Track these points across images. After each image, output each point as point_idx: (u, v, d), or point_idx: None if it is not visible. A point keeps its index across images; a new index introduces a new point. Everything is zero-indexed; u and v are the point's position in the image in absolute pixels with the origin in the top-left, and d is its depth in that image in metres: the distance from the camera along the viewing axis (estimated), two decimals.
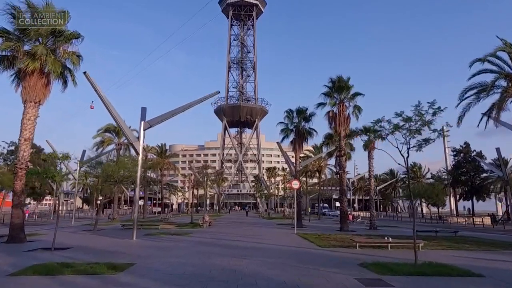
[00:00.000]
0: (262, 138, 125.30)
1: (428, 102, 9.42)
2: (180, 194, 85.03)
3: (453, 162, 55.49)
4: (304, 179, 58.52)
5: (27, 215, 41.43)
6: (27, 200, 70.65)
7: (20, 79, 16.58)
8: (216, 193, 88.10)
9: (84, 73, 15.97)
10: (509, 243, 17.42)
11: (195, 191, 78.03)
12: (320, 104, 26.45)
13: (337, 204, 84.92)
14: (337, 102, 25.74)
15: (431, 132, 9.45)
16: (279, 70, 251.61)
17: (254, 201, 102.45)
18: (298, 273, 8.52)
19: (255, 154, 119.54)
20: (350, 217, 35.21)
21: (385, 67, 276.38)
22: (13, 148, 47.90)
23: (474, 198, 51.09)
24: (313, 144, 54.05)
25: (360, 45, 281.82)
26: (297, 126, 28.67)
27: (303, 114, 28.40)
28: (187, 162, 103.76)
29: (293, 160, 36.37)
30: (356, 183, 75.67)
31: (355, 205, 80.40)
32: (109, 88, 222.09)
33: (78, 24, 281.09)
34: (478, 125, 18.53)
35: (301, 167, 30.08)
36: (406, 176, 70.54)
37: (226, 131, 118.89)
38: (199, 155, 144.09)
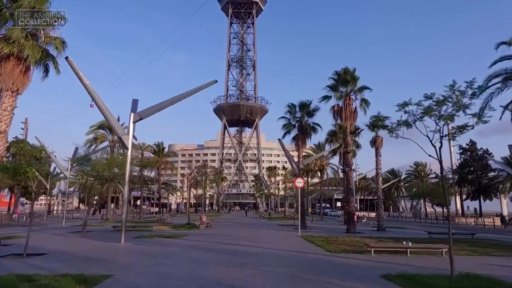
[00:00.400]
0: (262, 137, 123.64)
1: (466, 82, 7.75)
2: (179, 194, 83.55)
3: (459, 161, 53.83)
4: (306, 178, 56.86)
5: (16, 215, 39.73)
6: (24, 200, 69.07)
7: None
8: (215, 193, 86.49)
9: (66, 58, 14.33)
10: None
11: (194, 190, 76.63)
12: (324, 98, 24.81)
13: (338, 204, 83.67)
14: (343, 95, 24.11)
15: (470, 117, 7.78)
16: (279, 70, 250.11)
17: (254, 201, 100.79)
18: None
19: (255, 154, 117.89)
20: (355, 217, 33.55)
21: (385, 67, 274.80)
22: None
23: (482, 197, 49.40)
24: (315, 143, 52.58)
25: (360, 45, 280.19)
26: (300, 121, 27.00)
27: (306, 108, 26.74)
28: (186, 161, 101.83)
29: (295, 157, 34.77)
30: (357, 183, 74.02)
31: (356, 205, 78.74)
32: (108, 88, 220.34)
33: (78, 24, 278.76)
34: (501, 118, 16.86)
35: (303, 165, 28.43)
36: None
37: (226, 130, 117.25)
38: (198, 154, 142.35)
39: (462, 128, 8.08)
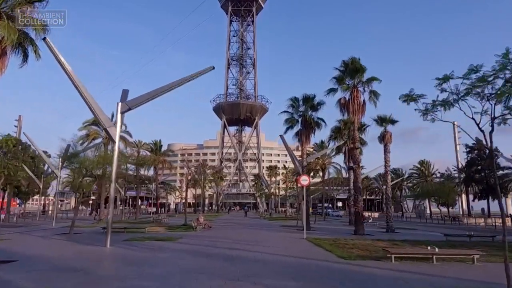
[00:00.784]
0: (262, 136, 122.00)
1: None
2: (178, 193, 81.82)
3: (466, 159, 52.17)
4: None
5: (2, 216, 38.17)
6: (17, 200, 67.43)
7: None
8: (214, 192, 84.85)
9: (44, 39, 12.70)
10: None
11: (193, 190, 74.96)
12: (331, 90, 23.17)
13: (339, 204, 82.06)
14: (351, 86, 22.49)
15: None
16: (279, 70, 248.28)
17: (254, 201, 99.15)
18: None
19: (255, 153, 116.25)
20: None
21: (385, 67, 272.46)
22: None
23: (490, 197, 47.74)
24: (316, 142, 51.03)
25: (360, 45, 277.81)
26: (303, 116, 25.36)
27: (310, 102, 25.10)
28: (185, 160, 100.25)
29: (297, 155, 33.14)
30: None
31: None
32: (106, 88, 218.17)
33: (78, 24, 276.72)
34: None
35: (307, 163, 26.80)
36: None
37: (226, 129, 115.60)
38: (198, 154, 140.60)
39: None
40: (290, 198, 76.16)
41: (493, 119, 6.45)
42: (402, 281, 7.80)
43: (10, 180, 44.33)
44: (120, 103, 14.74)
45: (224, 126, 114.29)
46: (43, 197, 65.57)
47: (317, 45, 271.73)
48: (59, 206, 73.79)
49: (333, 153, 42.80)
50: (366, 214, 51.14)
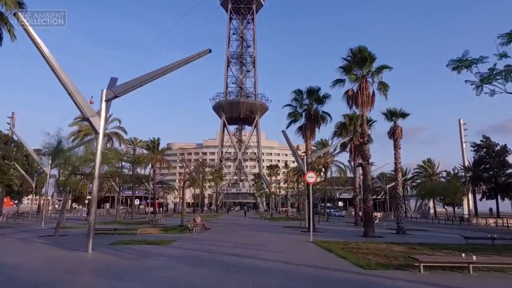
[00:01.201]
0: (262, 135, 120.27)
1: None
2: (176, 193, 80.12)
3: (474, 158, 50.49)
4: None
5: None
6: (16, 200, 65.73)
7: None
8: (214, 192, 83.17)
9: (15, 14, 11.05)
10: None
11: (192, 189, 73.28)
12: (337, 82, 21.53)
13: (340, 204, 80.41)
14: (359, 77, 20.85)
15: None
16: (279, 70, 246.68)
17: (254, 201, 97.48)
18: None
19: (255, 152, 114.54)
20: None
21: None
22: None
23: (499, 196, 46.08)
24: (317, 140, 49.53)
25: (360, 45, 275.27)
26: (308, 109, 23.69)
27: (315, 94, 23.42)
28: (183, 158, 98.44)
29: (300, 153, 31.51)
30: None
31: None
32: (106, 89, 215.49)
33: (78, 24, 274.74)
34: None
35: (312, 159, 25.12)
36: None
37: (225, 128, 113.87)
38: (197, 153, 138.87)
39: None
40: (292, 197, 74.49)
41: None
42: None
43: (1, 179, 42.79)
44: (104, 90, 13.09)
45: (224, 125, 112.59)
46: (37, 197, 64.04)
47: (317, 45, 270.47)
48: (57, 206, 72.05)
49: (338, 151, 41.14)
50: (374, 214, 49.51)
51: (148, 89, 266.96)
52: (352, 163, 34.40)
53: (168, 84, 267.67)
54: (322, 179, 52.57)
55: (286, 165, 66.81)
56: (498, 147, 46.18)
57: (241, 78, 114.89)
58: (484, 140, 48.52)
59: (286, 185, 66.78)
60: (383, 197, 74.80)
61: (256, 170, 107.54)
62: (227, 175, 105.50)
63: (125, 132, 36.22)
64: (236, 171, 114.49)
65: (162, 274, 8.24)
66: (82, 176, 19.05)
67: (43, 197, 49.56)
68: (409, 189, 74.94)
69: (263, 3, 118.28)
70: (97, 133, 12.79)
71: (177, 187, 79.08)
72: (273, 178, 71.73)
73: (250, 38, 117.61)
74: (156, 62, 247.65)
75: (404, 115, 23.32)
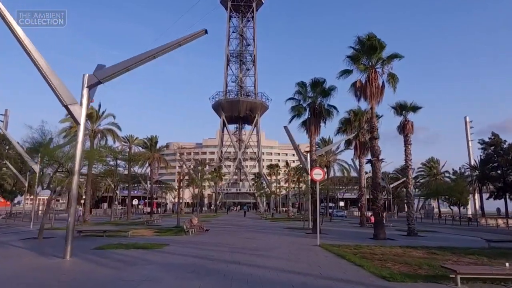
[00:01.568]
0: (262, 135, 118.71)
1: None
2: (175, 193, 78.60)
3: (480, 156, 49.01)
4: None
5: None
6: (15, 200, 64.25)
7: None
8: (213, 192, 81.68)
9: None
10: None
11: (191, 189, 71.78)
12: (344, 72, 20.03)
13: (341, 203, 79.05)
14: (368, 67, 19.38)
15: None
16: (279, 70, 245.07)
17: (254, 201, 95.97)
18: None
19: (255, 152, 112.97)
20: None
21: None
22: None
23: (508, 196, 44.54)
24: (319, 138, 48.03)
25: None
26: (312, 103, 22.18)
27: (320, 86, 21.90)
28: (180, 155, 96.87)
29: (303, 151, 30.03)
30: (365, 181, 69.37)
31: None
32: (106, 90, 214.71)
33: (78, 24, 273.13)
34: None
35: (316, 156, 23.62)
36: (424, 172, 64.11)
37: (225, 128, 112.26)
38: (197, 153, 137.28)
39: None
40: (294, 197, 72.95)
41: None
42: None
43: None
44: (87, 75, 11.59)
45: (224, 124, 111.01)
46: (32, 196, 62.47)
47: (317, 45, 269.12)
48: (55, 205, 70.41)
49: (342, 148, 39.64)
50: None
51: (148, 89, 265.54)
52: (357, 160, 32.94)
53: (168, 84, 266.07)
54: (326, 178, 51.13)
55: (287, 164, 65.28)
56: (506, 145, 44.66)
57: (241, 77, 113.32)
58: (493, 137, 47.01)
59: (286, 184, 65.32)
60: (386, 196, 73.38)
61: (256, 170, 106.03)
62: (227, 174, 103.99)
63: (119, 129, 34.68)
64: (236, 170, 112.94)
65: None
66: (68, 173, 17.55)
67: (47, 197, 48.02)
68: (412, 188, 73.58)
69: (263, 0, 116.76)
70: (77, 123, 11.29)
71: (175, 187, 77.62)
72: (273, 177, 70.29)
73: (250, 36, 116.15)
74: (155, 61, 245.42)
75: (415, 108, 21.85)
